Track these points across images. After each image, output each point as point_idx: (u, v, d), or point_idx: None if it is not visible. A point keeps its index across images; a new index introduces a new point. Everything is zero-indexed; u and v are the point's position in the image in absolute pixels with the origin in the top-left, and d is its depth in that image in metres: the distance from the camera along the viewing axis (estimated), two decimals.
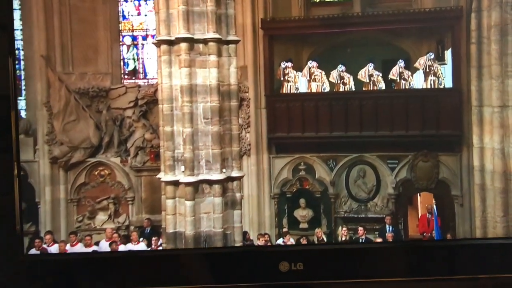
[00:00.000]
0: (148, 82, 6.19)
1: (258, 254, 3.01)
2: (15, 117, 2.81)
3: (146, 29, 6.26)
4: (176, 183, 4.72)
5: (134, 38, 6.31)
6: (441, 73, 5.43)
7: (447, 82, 5.43)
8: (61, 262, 3.00)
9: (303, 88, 5.89)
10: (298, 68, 5.89)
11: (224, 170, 4.75)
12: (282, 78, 5.88)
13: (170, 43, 4.85)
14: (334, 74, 5.77)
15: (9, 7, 2.92)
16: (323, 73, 5.79)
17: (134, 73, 6.30)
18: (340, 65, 5.74)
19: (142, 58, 6.28)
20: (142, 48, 6.29)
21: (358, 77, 5.70)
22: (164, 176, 4.79)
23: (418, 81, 5.55)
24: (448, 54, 5.46)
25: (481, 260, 2.89)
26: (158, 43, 5.00)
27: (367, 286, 2.90)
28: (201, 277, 2.88)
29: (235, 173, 4.84)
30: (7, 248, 2.78)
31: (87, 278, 2.88)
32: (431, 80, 5.44)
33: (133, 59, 6.29)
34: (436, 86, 5.44)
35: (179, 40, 4.80)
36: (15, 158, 2.81)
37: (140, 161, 6.07)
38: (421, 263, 2.91)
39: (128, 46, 6.31)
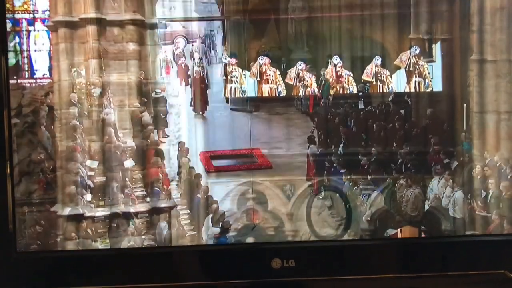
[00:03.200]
0: (36, 82, 5.69)
1: (251, 251, 3.87)
2: (8, 116, 3.72)
3: (34, 11, 5.74)
4: (79, 219, 4.56)
5: (16, 23, 5.80)
6: (428, 73, 5.43)
7: (436, 84, 5.43)
8: (55, 259, 3.83)
9: (251, 92, 5.68)
10: (245, 65, 5.62)
11: (148, 199, 4.69)
12: (223, 78, 5.62)
13: (72, 25, 4.78)
14: (292, 73, 5.60)
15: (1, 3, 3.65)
16: (278, 72, 5.59)
17: (16, 70, 5.76)
18: (299, 62, 5.57)
19: (27, 50, 5.74)
20: (28, 37, 5.77)
21: (323, 72, 5.51)
22: (62, 209, 4.62)
23: (399, 83, 5.51)
24: (437, 48, 5.48)
25: (472, 256, 3.74)
26: (54, 26, 4.92)
27: (359, 283, 3.65)
28: (192, 274, 3.69)
29: (163, 203, 4.76)
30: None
31: (82, 275, 3.66)
32: (415, 81, 5.42)
33: (15, 51, 5.75)
34: (422, 90, 5.43)
35: (84, 22, 4.74)
36: (7, 156, 3.74)
37: (24, 192, 5.58)
38: (413, 259, 3.78)
39: (8, 34, 5.81)
